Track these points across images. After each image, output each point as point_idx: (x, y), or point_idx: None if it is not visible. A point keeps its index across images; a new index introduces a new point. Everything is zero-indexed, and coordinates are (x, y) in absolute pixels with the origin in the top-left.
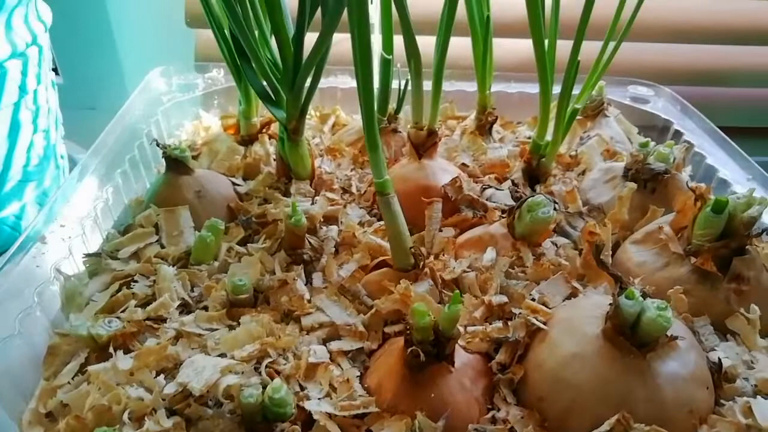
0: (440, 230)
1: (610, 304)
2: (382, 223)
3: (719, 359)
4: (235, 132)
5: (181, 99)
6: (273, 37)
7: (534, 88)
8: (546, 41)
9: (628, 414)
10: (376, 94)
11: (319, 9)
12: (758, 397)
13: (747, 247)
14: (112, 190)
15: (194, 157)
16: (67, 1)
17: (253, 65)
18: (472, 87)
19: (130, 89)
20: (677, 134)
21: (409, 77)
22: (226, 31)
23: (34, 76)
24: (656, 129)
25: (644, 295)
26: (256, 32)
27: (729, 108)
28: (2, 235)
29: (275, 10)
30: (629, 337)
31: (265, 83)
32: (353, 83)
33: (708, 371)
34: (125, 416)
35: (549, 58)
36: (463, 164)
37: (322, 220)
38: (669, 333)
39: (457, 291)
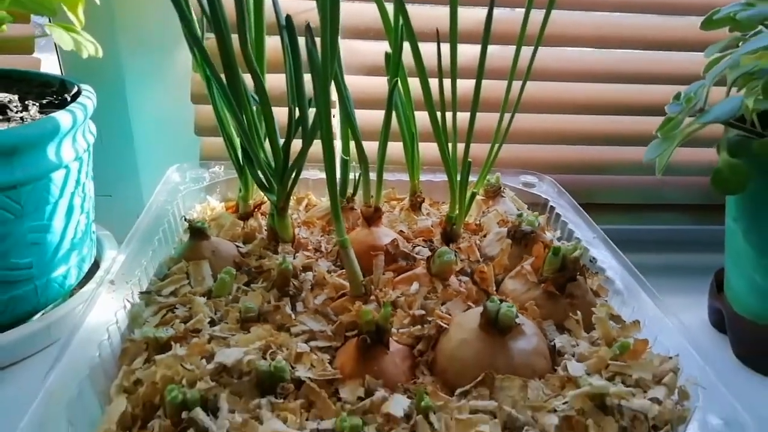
0: (383, 274)
1: (483, 306)
2: (343, 271)
3: (555, 343)
4: (234, 211)
5: (192, 188)
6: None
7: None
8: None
9: (491, 371)
10: (338, 184)
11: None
12: (573, 361)
13: (577, 275)
14: (151, 255)
15: None
16: (98, 112)
17: (255, 164)
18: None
19: (143, 181)
20: (552, 208)
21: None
22: (234, 137)
23: (85, 172)
24: (540, 205)
25: (501, 301)
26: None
27: (601, 189)
28: (52, 291)
29: (270, 133)
30: (494, 327)
31: (261, 176)
32: (321, 175)
33: (547, 349)
34: (183, 382)
35: (453, 163)
36: (401, 231)
37: (301, 269)
38: (523, 329)
39: (388, 302)
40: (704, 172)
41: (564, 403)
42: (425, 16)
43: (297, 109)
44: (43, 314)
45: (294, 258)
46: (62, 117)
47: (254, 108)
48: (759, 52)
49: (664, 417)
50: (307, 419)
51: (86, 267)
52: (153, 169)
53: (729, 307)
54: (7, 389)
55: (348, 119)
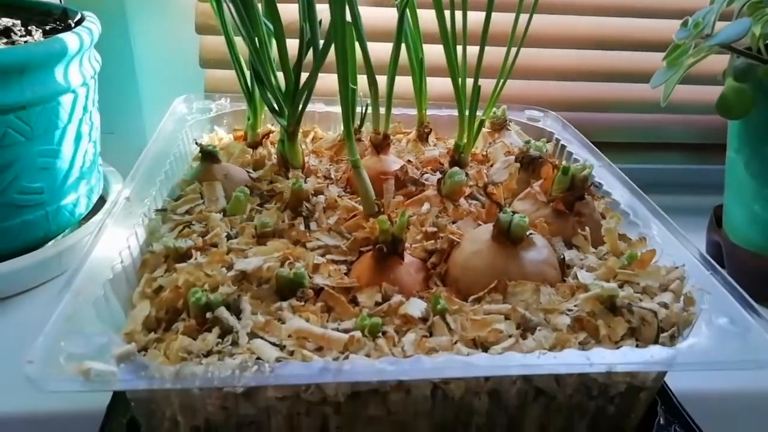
0: (393, 197)
1: (496, 218)
2: (353, 196)
3: (564, 257)
4: (242, 140)
5: (200, 119)
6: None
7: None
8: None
9: (504, 278)
10: None
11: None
12: (582, 271)
13: (585, 195)
14: (163, 178)
15: None
16: (99, 46)
17: (266, 87)
18: (414, 112)
19: (146, 117)
20: (557, 141)
21: (369, 101)
22: (244, 66)
23: (91, 100)
24: (545, 138)
25: (513, 213)
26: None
27: (603, 127)
28: (63, 218)
29: (282, 54)
30: (506, 237)
31: (272, 100)
32: (326, 108)
33: (557, 261)
34: (205, 287)
35: (463, 90)
36: (408, 160)
37: (312, 192)
38: (534, 240)
39: (404, 210)
40: (704, 110)
41: (575, 306)
42: None
43: (308, 30)
44: (54, 242)
45: (305, 182)
46: (69, 39)
47: (265, 30)
48: None
49: (671, 320)
50: (327, 321)
51: (94, 198)
52: (156, 107)
53: (727, 239)
54: (19, 316)
55: (360, 42)
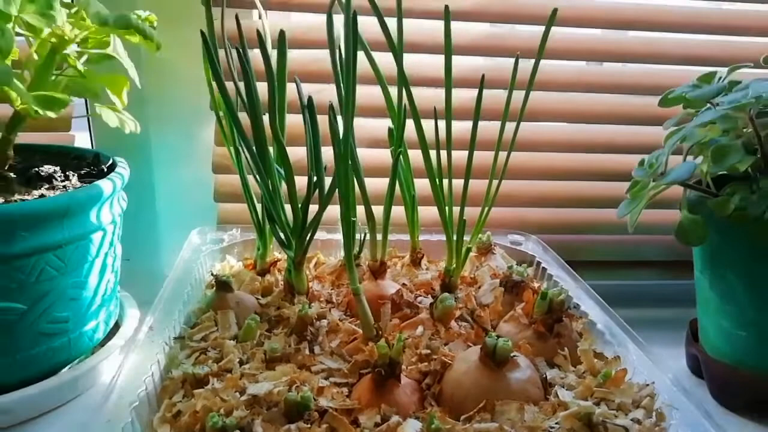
0: (390, 320)
1: (483, 341)
2: (353, 318)
3: (546, 376)
4: (252, 268)
5: (213, 249)
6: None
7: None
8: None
9: (492, 399)
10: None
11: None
12: (563, 389)
13: (563, 317)
14: (181, 307)
15: None
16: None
17: (276, 223)
18: (407, 237)
19: (161, 246)
20: (538, 264)
21: (367, 230)
22: (256, 204)
23: (117, 236)
24: (527, 261)
25: (498, 337)
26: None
27: (581, 247)
28: (83, 344)
29: (291, 195)
30: (492, 359)
31: (281, 234)
32: (327, 236)
33: (540, 380)
34: (221, 412)
35: (450, 219)
36: (403, 284)
37: (316, 317)
38: (518, 362)
39: (400, 334)
40: (671, 231)
41: (556, 423)
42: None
43: (315, 175)
44: (70, 367)
45: (309, 307)
46: (104, 184)
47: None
48: (708, 126)
49: None
50: None
51: (112, 323)
52: (169, 235)
53: (703, 351)
54: None
55: (359, 184)
